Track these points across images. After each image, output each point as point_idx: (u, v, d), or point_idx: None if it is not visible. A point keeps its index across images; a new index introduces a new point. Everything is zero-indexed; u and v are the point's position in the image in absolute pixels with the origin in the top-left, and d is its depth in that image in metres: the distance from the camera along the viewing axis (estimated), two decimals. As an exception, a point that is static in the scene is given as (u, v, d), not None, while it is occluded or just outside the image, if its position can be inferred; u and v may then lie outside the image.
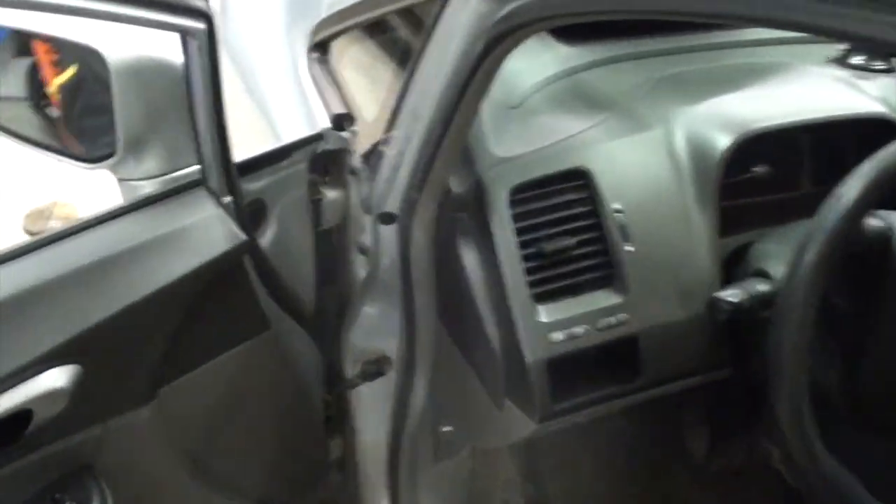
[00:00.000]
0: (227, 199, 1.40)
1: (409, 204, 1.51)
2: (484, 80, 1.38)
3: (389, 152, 1.53)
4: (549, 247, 1.54)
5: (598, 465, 2.08)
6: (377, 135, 1.59)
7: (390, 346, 1.62)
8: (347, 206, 1.63)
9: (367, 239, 1.58)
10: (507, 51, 1.34)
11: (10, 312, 1.16)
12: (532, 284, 1.54)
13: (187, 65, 1.31)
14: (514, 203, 1.56)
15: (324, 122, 1.70)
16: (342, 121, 1.65)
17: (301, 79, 1.87)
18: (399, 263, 1.56)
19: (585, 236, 1.58)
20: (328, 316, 1.71)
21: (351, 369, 1.68)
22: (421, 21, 1.49)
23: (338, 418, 1.76)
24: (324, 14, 1.90)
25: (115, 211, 1.33)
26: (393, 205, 1.53)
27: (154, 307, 1.30)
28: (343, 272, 1.68)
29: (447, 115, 1.41)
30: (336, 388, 1.72)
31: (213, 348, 1.44)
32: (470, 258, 1.57)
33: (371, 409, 1.69)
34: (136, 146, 1.37)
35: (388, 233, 1.54)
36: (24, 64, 1.60)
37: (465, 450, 1.95)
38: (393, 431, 1.68)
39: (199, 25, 1.26)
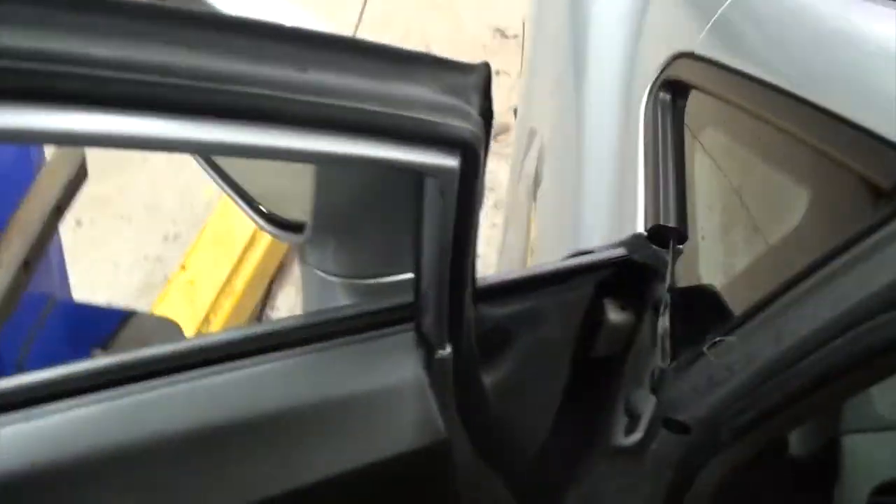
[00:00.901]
0: (446, 351, 0.93)
1: (714, 440, 0.97)
2: None
3: (715, 358, 0.97)
4: None
5: None
6: (707, 273, 1.03)
7: None
8: (633, 340, 1.16)
9: (640, 404, 1.12)
10: None
11: None
12: None
13: (420, 203, 0.79)
14: None
15: (640, 218, 1.17)
16: (667, 234, 1.14)
17: (632, 125, 1.29)
18: (672, 476, 1.08)
19: None
20: (549, 468, 1.24)
21: None
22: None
23: None
24: (699, 38, 1.26)
25: (264, 333, 0.87)
26: (691, 417, 0.99)
27: None
28: (594, 417, 1.21)
29: (832, 371, 0.84)
30: None
31: None
32: None
33: None
34: (332, 232, 0.95)
35: (672, 438, 1.04)
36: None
37: None
38: None
39: (448, 163, 0.73)
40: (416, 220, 0.82)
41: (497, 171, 2.91)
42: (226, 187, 1.00)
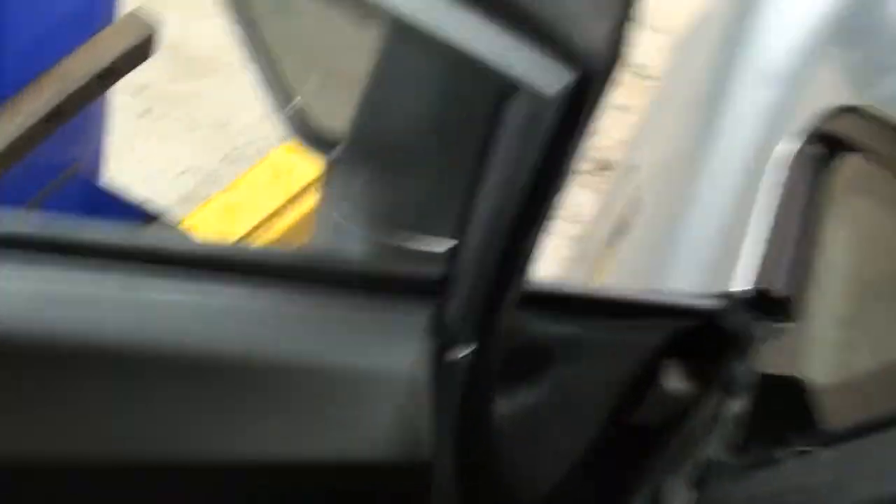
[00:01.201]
0: (465, 352, 0.73)
1: None
2: None
3: (795, 472, 0.77)
4: None
5: None
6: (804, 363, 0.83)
7: None
8: (686, 417, 0.96)
9: (672, 498, 0.94)
10: None
11: None
12: None
13: (492, 136, 0.59)
14: None
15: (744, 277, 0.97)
16: (770, 302, 0.93)
17: (762, 176, 1.09)
18: None
19: None
20: None
21: None
22: None
23: None
24: (866, 96, 1.06)
25: (245, 256, 0.70)
26: None
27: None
28: (608, 495, 1.02)
29: None
30: None
31: None
32: None
33: None
34: (367, 157, 0.76)
35: None
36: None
37: None
38: None
39: (552, 85, 0.52)
40: (480, 157, 0.62)
41: (586, 204, 2.71)
42: (264, 66, 0.82)
